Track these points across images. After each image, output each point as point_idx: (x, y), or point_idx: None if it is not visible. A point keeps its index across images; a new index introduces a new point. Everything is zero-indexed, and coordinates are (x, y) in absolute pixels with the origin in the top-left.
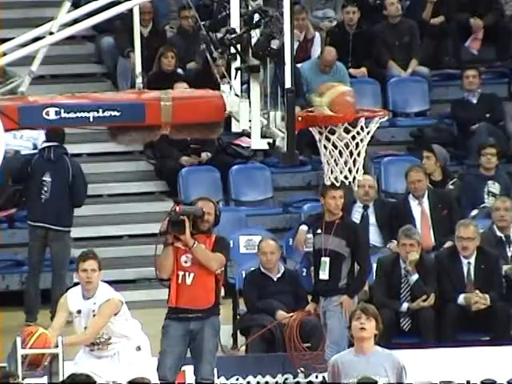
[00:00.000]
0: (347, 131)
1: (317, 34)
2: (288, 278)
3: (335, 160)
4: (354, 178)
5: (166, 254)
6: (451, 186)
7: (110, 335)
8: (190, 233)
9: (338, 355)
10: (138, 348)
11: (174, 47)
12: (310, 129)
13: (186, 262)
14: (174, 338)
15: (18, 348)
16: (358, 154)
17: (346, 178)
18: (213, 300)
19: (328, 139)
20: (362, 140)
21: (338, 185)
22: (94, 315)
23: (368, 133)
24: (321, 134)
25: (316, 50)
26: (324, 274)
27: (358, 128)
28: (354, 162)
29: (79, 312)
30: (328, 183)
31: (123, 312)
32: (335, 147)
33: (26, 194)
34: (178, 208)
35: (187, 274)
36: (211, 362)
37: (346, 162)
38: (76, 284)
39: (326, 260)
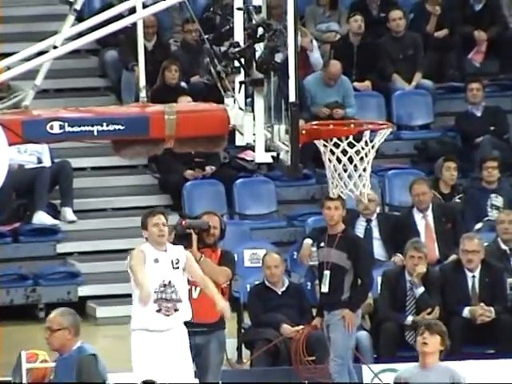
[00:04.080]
0: (352, 146)
1: (313, 38)
2: (292, 291)
3: (339, 174)
4: (361, 192)
5: None
6: (458, 200)
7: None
8: (197, 246)
9: (403, 369)
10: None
11: (178, 61)
12: (316, 142)
13: (192, 276)
14: None
15: (23, 362)
16: (364, 169)
17: (351, 191)
18: (218, 314)
19: (332, 152)
20: (366, 154)
21: (336, 197)
22: (175, 267)
23: (373, 147)
24: (325, 146)
25: (314, 56)
26: (324, 287)
27: (363, 142)
28: (360, 175)
29: (156, 261)
30: (333, 196)
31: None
32: (339, 161)
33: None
34: (183, 222)
35: (193, 287)
36: (216, 376)
37: (350, 176)
38: None
39: (327, 273)
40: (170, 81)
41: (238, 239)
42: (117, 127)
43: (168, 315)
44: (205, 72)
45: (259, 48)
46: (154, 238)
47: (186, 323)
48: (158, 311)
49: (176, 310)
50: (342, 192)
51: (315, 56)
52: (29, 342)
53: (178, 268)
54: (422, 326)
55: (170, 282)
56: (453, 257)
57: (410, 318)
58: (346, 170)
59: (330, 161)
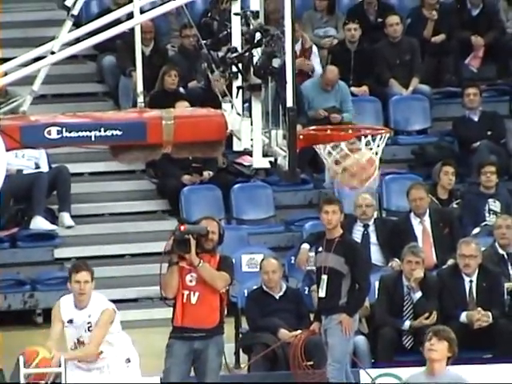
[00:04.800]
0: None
1: (313, 45)
2: (290, 296)
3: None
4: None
5: (171, 273)
6: (455, 205)
7: (101, 346)
8: (195, 252)
9: (410, 375)
10: (128, 360)
11: (177, 66)
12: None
13: (190, 281)
14: (178, 356)
15: (21, 367)
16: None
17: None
18: (217, 319)
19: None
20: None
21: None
22: (89, 327)
23: (376, 153)
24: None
25: (314, 62)
26: (322, 292)
27: (363, 146)
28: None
29: (71, 322)
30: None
31: (116, 322)
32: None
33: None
34: (182, 227)
35: (192, 293)
36: (215, 381)
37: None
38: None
39: (324, 278)
40: (170, 86)
41: (236, 244)
42: (114, 133)
43: (88, 370)
44: (202, 77)
45: (257, 53)
46: (74, 294)
47: (185, 328)
48: (79, 363)
49: (89, 370)
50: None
51: (313, 59)
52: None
53: (90, 330)
54: (429, 331)
55: (83, 343)
56: (450, 261)
57: (407, 323)
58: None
59: (329, 154)
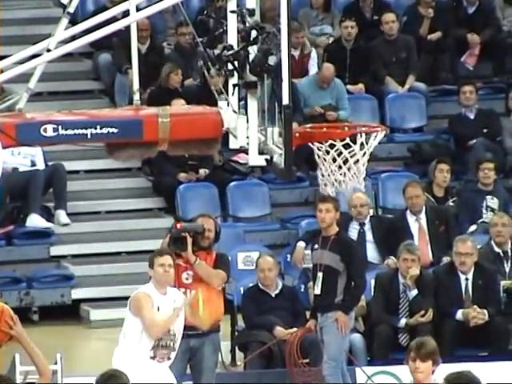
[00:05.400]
0: (348, 147)
1: (313, 49)
2: (286, 294)
3: (332, 171)
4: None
5: None
6: (451, 204)
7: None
8: (192, 250)
9: None
10: None
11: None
12: (310, 144)
13: (187, 279)
14: None
15: (17, 365)
16: (358, 171)
17: (339, 183)
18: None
19: (327, 152)
20: (362, 155)
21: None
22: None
23: (367, 150)
24: (319, 149)
25: (312, 65)
26: (318, 290)
27: (358, 144)
28: (354, 174)
29: (157, 309)
30: (325, 193)
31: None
32: (334, 160)
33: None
34: (178, 225)
35: (188, 290)
36: (211, 379)
37: (344, 174)
38: None
39: (320, 275)
40: (175, 84)
41: (232, 242)
42: (110, 130)
43: (160, 362)
44: (198, 75)
45: (253, 51)
46: (158, 278)
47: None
48: (153, 358)
49: (169, 359)
50: (332, 191)
51: (312, 64)
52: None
53: (178, 316)
54: (411, 349)
55: (170, 329)
56: (446, 259)
57: (403, 321)
58: (340, 167)
59: (324, 160)
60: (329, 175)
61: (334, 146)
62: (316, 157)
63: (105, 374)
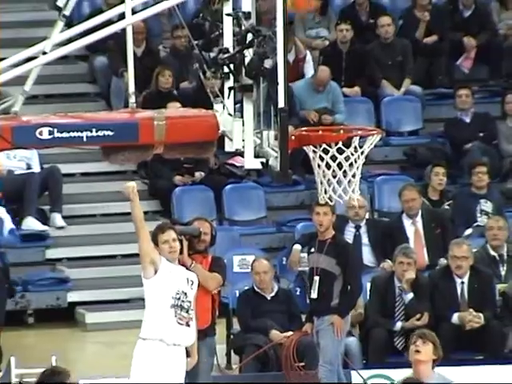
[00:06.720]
0: (341, 151)
1: (308, 52)
2: (282, 297)
3: (328, 180)
4: (350, 197)
5: None
6: (447, 207)
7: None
8: (187, 253)
9: (397, 381)
10: None
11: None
12: (305, 148)
13: None
14: None
15: (12, 368)
16: (354, 175)
17: (340, 197)
18: (209, 320)
19: (322, 158)
20: (356, 160)
21: (325, 202)
22: (192, 288)
23: (362, 153)
24: (315, 152)
25: (308, 68)
26: (314, 293)
27: (352, 148)
28: (349, 181)
29: (171, 272)
30: (322, 202)
31: None
32: (329, 167)
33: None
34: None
35: None
36: (206, 382)
37: (339, 182)
38: None
39: (316, 279)
40: (164, 86)
41: (227, 245)
42: (106, 133)
43: (182, 324)
44: (194, 78)
45: (248, 54)
46: (165, 255)
47: None
48: (176, 320)
49: (188, 325)
50: (330, 199)
51: (307, 67)
52: (18, 348)
53: (192, 289)
54: (414, 334)
55: (186, 293)
56: (442, 262)
57: (399, 324)
58: (335, 176)
59: (319, 166)
60: (328, 180)
61: (329, 151)
62: (312, 162)
63: (46, 370)
